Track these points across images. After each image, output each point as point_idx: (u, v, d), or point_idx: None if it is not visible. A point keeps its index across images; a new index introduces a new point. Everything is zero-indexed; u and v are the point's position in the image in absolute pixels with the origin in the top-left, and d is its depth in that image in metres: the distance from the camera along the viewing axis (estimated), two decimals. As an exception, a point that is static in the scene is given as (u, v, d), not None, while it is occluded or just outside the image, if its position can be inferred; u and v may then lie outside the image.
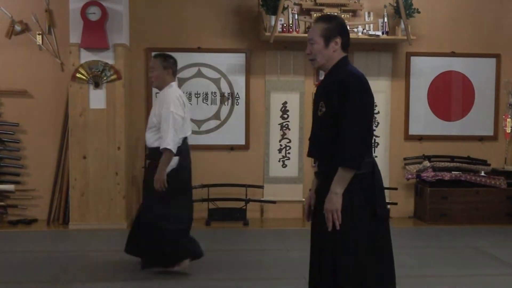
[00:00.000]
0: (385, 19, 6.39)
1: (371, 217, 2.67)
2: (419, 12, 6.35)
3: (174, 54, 6.29)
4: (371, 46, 6.57)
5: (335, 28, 2.73)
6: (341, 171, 2.59)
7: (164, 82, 4.31)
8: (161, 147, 4.11)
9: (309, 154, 2.92)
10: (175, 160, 4.19)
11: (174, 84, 4.35)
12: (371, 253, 2.69)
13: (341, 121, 2.61)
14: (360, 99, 2.65)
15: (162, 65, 4.30)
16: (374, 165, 2.75)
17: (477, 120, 6.83)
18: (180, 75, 6.45)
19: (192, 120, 6.47)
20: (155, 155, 4.21)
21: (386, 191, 6.52)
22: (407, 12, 6.26)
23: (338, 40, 2.73)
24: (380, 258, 2.76)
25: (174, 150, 4.12)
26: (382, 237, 2.75)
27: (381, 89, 6.68)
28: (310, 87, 6.56)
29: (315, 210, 2.83)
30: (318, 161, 2.92)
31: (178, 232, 4.25)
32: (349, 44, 2.82)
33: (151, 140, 4.26)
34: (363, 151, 2.63)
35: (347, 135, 2.59)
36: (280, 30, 6.19)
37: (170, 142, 4.07)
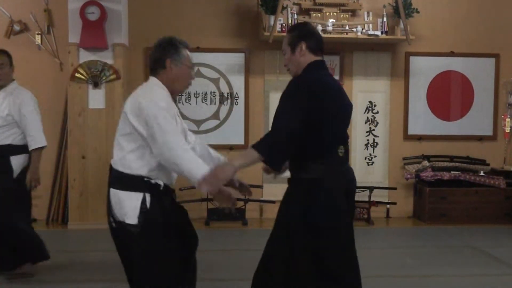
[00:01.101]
0: (384, 19, 6.39)
1: (307, 226, 2.61)
2: (418, 12, 6.35)
3: (173, 54, 6.42)
4: (370, 46, 6.57)
5: (298, 34, 2.79)
6: (250, 149, 2.62)
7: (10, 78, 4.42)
8: (34, 146, 4.21)
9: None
10: (25, 158, 4.26)
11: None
12: (304, 266, 2.63)
13: None
14: (285, 100, 2.64)
15: (10, 62, 4.44)
16: (329, 172, 2.65)
17: (476, 120, 6.83)
18: (179, 75, 6.45)
19: (192, 120, 6.49)
20: (6, 152, 4.19)
21: (385, 191, 6.63)
22: (406, 12, 6.26)
23: (303, 44, 2.76)
24: (317, 272, 2.64)
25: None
26: (324, 249, 2.63)
27: (380, 89, 6.68)
28: (309, 87, 6.55)
29: None
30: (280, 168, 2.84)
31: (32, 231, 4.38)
32: (321, 47, 2.81)
33: (2, 137, 4.22)
34: (278, 147, 2.56)
35: (271, 129, 2.63)
36: (279, 30, 6.18)
37: (43, 140, 4.25)
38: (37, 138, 4.23)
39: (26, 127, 4.24)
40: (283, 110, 2.60)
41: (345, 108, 2.81)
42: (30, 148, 4.23)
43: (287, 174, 2.85)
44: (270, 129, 2.66)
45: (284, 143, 2.57)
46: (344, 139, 2.77)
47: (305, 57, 2.76)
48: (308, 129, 2.58)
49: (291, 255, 2.63)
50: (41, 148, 4.26)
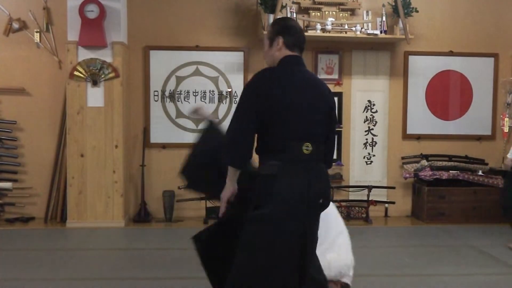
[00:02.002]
0: (384, 18, 6.39)
1: (256, 218, 2.62)
2: (417, 11, 6.35)
3: (172, 52, 6.44)
4: (369, 45, 6.57)
5: (277, 29, 2.83)
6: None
7: None
8: None
9: None
10: None
11: None
12: (255, 256, 2.64)
13: None
14: (240, 100, 2.72)
15: None
16: (283, 169, 2.61)
17: (475, 120, 6.83)
18: (178, 73, 6.45)
19: (190, 119, 6.48)
20: None
21: (383, 190, 6.64)
22: (405, 11, 6.26)
23: (280, 40, 2.78)
24: (259, 262, 2.64)
25: None
26: (265, 240, 2.62)
27: (379, 88, 6.68)
28: (308, 85, 6.55)
29: None
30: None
31: None
32: (298, 43, 2.80)
33: None
34: (237, 151, 2.67)
35: (226, 135, 2.78)
36: (279, 28, 6.17)
37: None
38: None
39: None
40: (235, 112, 2.71)
41: (308, 103, 2.68)
42: None
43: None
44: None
45: (238, 144, 2.66)
46: (309, 136, 2.65)
47: (280, 52, 2.79)
48: (263, 126, 2.63)
49: (243, 247, 2.67)
50: None
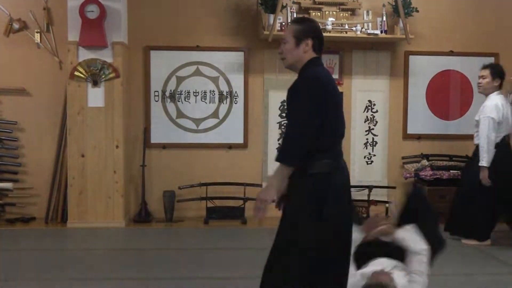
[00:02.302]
0: (384, 18, 6.39)
1: (318, 218, 2.67)
2: (417, 11, 6.35)
3: (172, 53, 6.44)
4: (370, 45, 6.57)
5: (306, 30, 2.82)
6: (279, 165, 2.69)
7: None
8: None
9: None
10: None
11: None
12: (314, 255, 2.68)
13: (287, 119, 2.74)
14: (305, 99, 2.68)
15: None
16: (335, 167, 2.76)
17: (476, 119, 6.83)
18: (179, 73, 6.45)
19: (191, 119, 6.49)
20: None
21: (384, 190, 6.63)
22: (406, 11, 6.26)
23: (309, 41, 2.79)
24: (323, 262, 2.71)
25: None
26: (329, 240, 2.69)
27: (379, 88, 6.68)
28: (308, 85, 6.55)
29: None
30: None
31: None
32: (323, 47, 2.87)
33: None
34: (298, 150, 2.65)
35: (286, 132, 2.74)
36: (279, 28, 6.18)
37: None
38: None
39: None
40: (302, 108, 2.66)
41: (342, 102, 2.98)
42: None
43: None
44: (288, 127, 2.78)
45: (302, 148, 2.65)
46: (343, 134, 2.91)
47: (307, 53, 2.81)
48: (322, 123, 2.70)
49: (299, 247, 2.68)
50: None
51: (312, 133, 2.65)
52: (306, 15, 6.34)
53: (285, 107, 6.55)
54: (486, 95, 5.26)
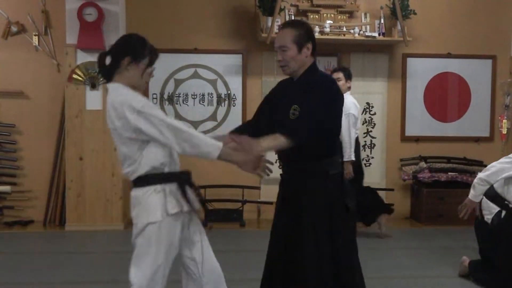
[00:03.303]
0: (382, 20, 6.40)
1: (346, 212, 2.82)
2: (415, 14, 6.37)
3: (170, 55, 6.44)
4: (368, 47, 6.58)
5: (306, 34, 2.78)
6: (282, 139, 2.62)
7: None
8: None
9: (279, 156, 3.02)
10: None
11: None
12: (351, 246, 2.87)
13: (301, 109, 2.69)
14: (327, 94, 2.73)
15: None
16: (341, 165, 3.01)
17: (473, 121, 6.85)
18: (177, 76, 6.46)
19: (189, 121, 6.49)
20: None
21: (382, 192, 6.64)
22: (404, 13, 6.27)
23: (310, 45, 2.77)
24: (356, 251, 2.92)
25: None
26: (353, 230, 3.01)
27: (377, 90, 6.69)
28: (306, 88, 6.56)
29: (280, 210, 2.94)
30: (286, 166, 2.94)
31: None
32: (316, 49, 2.86)
33: None
34: (311, 130, 2.64)
35: (302, 115, 2.67)
36: (277, 31, 6.18)
37: None
38: None
39: None
40: (320, 107, 2.68)
41: None
42: None
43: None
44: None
45: (313, 132, 2.66)
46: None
47: (308, 58, 2.79)
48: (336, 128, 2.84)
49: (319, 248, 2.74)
50: None
51: (322, 130, 2.70)
52: (304, 18, 6.36)
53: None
54: None
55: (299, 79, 2.81)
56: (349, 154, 5.21)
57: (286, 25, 2.86)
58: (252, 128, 2.94)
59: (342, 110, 2.87)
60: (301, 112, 2.67)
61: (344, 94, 5.17)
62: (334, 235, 2.73)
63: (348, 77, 5.42)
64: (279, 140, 2.63)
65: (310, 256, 2.71)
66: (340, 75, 5.36)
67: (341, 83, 5.30)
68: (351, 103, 5.30)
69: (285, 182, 2.90)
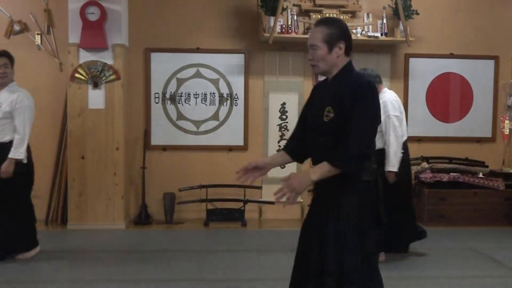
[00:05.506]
0: (384, 21, 6.40)
1: (376, 224, 2.74)
2: (418, 14, 6.36)
3: (173, 55, 6.45)
4: (370, 47, 6.58)
5: (338, 33, 2.63)
6: (330, 166, 2.51)
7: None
8: (12, 153, 4.62)
9: (302, 160, 2.90)
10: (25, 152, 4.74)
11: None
12: (373, 257, 2.77)
13: (348, 125, 2.53)
14: (371, 106, 2.59)
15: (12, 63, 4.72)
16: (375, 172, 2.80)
17: (475, 122, 6.84)
18: (179, 75, 6.46)
19: (191, 121, 6.49)
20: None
21: (384, 192, 6.60)
22: (406, 13, 6.27)
23: (342, 45, 2.62)
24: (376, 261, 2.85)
25: None
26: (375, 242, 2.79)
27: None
28: (309, 87, 6.54)
29: (310, 216, 2.83)
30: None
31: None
32: (352, 48, 2.72)
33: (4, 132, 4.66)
34: (363, 155, 2.56)
35: (352, 136, 2.52)
36: (279, 31, 6.19)
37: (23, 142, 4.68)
38: (18, 141, 4.63)
39: (14, 119, 4.61)
40: (370, 120, 2.60)
41: None
42: (13, 148, 4.60)
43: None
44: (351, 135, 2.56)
45: (367, 154, 2.59)
46: None
47: (340, 57, 2.65)
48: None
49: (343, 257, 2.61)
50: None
51: (372, 142, 2.69)
52: (306, 18, 6.36)
53: (285, 109, 6.58)
54: None
55: (333, 79, 2.70)
56: (393, 163, 4.57)
57: (319, 23, 2.72)
58: (298, 141, 2.86)
59: (379, 113, 2.68)
60: (346, 130, 2.53)
61: (381, 92, 4.82)
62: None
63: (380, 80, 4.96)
64: (328, 169, 2.53)
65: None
66: None
67: None
68: (388, 102, 4.77)
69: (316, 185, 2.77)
